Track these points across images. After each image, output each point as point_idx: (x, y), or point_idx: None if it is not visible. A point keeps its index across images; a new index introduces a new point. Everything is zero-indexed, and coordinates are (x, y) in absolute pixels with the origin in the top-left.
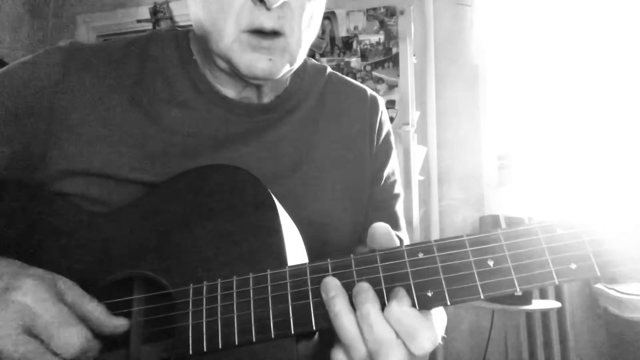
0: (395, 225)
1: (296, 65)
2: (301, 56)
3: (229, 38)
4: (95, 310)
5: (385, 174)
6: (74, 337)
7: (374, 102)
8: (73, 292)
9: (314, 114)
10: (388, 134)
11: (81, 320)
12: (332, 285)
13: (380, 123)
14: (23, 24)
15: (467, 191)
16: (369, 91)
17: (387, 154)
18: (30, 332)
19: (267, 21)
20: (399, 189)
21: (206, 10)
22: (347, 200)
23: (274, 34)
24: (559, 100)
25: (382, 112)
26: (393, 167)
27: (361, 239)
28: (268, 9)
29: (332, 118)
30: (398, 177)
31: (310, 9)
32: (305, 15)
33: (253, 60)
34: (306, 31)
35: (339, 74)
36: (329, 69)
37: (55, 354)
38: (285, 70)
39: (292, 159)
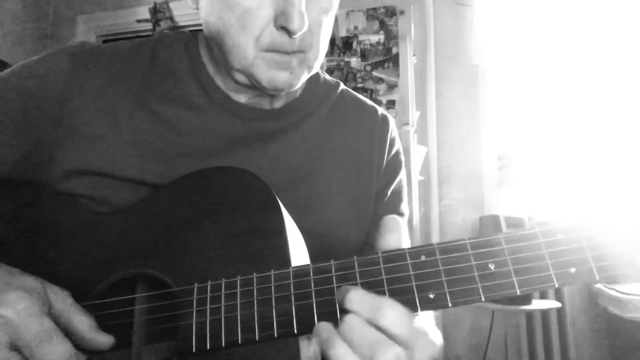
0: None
1: (313, 72)
2: (317, 65)
3: (251, 57)
4: (81, 324)
5: (390, 191)
6: (55, 354)
7: (384, 120)
8: (62, 303)
9: (324, 127)
10: (397, 153)
11: (67, 333)
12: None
13: (391, 141)
14: (23, 24)
15: (467, 191)
16: (380, 110)
17: (395, 172)
18: (14, 348)
19: (290, 45)
20: (404, 208)
21: (225, 29)
22: (353, 214)
23: (296, 52)
24: (559, 100)
25: (392, 131)
26: (400, 185)
27: (363, 251)
28: (291, 37)
29: (342, 132)
30: (405, 197)
31: (326, 24)
32: (323, 31)
33: (275, 75)
34: (323, 44)
35: (352, 91)
36: (342, 86)
37: None
38: (304, 79)
39: (299, 169)
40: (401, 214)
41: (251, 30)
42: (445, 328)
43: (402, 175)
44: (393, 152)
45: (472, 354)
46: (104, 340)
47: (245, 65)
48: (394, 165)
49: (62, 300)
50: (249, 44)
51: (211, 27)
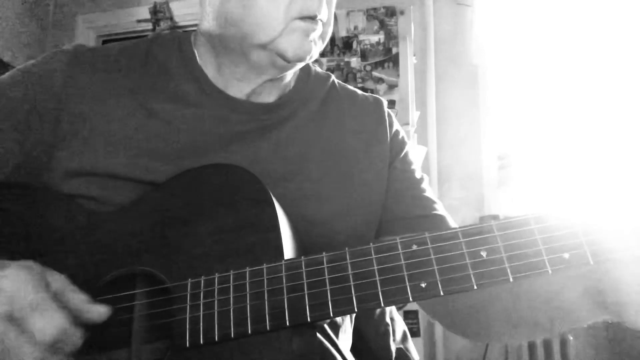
0: (428, 208)
1: (323, 46)
2: (327, 39)
3: (281, 26)
4: (76, 298)
5: (399, 165)
6: (49, 323)
7: (377, 103)
8: (58, 282)
9: (318, 117)
10: (397, 132)
11: (62, 308)
12: None
13: (389, 120)
14: (23, 24)
15: (467, 191)
16: (372, 95)
17: (399, 147)
18: (9, 317)
19: (319, 8)
20: (420, 174)
21: (252, 3)
22: (352, 202)
23: (319, 20)
24: (559, 100)
25: (387, 112)
26: (410, 158)
27: (388, 231)
28: None
29: (336, 120)
30: (417, 168)
31: (334, 3)
32: (332, 9)
33: (300, 44)
34: (332, 21)
35: (342, 82)
36: (332, 77)
37: (31, 338)
38: (319, 51)
39: (296, 160)
40: (421, 180)
41: None
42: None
43: (409, 149)
44: (393, 130)
45: (472, 354)
46: (101, 309)
47: (272, 36)
48: (397, 142)
49: (57, 280)
50: (279, 12)
51: (229, 5)
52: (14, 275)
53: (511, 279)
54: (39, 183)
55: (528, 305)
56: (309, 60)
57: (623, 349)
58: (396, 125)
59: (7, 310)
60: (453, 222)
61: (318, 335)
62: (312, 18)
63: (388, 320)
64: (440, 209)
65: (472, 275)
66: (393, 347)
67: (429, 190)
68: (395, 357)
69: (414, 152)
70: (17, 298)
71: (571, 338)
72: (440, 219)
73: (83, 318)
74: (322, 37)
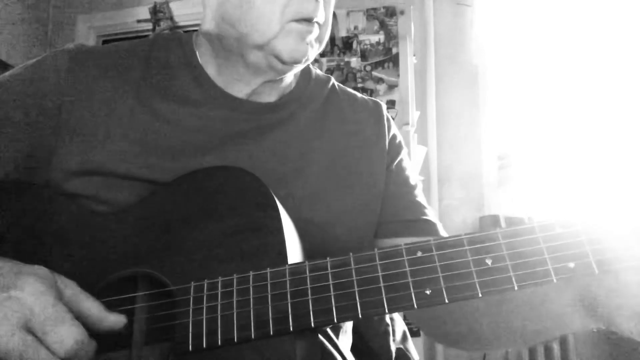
0: (418, 213)
1: (321, 48)
2: (325, 42)
3: (276, 27)
4: (92, 307)
5: (394, 169)
6: (67, 336)
7: (376, 106)
8: (71, 290)
9: (318, 118)
10: (394, 136)
11: (78, 318)
12: None
13: (388, 124)
14: (23, 24)
15: (467, 191)
16: (372, 99)
17: (396, 151)
18: (28, 329)
19: (315, 11)
20: (415, 180)
21: (249, 4)
22: (351, 203)
23: (315, 22)
24: (559, 100)
25: (385, 116)
26: (405, 163)
27: (377, 234)
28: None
29: (336, 122)
30: (412, 174)
31: (332, 4)
32: (331, 10)
33: (296, 46)
34: (330, 23)
35: (342, 85)
36: (333, 80)
37: (50, 351)
38: (316, 53)
39: (298, 160)
40: (414, 187)
41: (279, 0)
42: None
43: (405, 155)
44: (391, 134)
45: (472, 354)
46: (117, 319)
47: (268, 37)
48: (394, 146)
49: (70, 287)
50: (275, 13)
51: (228, 6)
52: (30, 286)
53: (516, 288)
54: (40, 182)
55: (515, 314)
56: (305, 62)
57: (623, 348)
58: (394, 130)
59: (25, 322)
60: (442, 229)
61: (320, 337)
62: (309, 20)
63: (388, 320)
64: (430, 214)
65: (477, 283)
66: (393, 347)
67: (422, 196)
68: (395, 357)
69: (409, 159)
70: (37, 311)
71: (558, 344)
72: (429, 224)
73: (99, 327)
74: (319, 39)
